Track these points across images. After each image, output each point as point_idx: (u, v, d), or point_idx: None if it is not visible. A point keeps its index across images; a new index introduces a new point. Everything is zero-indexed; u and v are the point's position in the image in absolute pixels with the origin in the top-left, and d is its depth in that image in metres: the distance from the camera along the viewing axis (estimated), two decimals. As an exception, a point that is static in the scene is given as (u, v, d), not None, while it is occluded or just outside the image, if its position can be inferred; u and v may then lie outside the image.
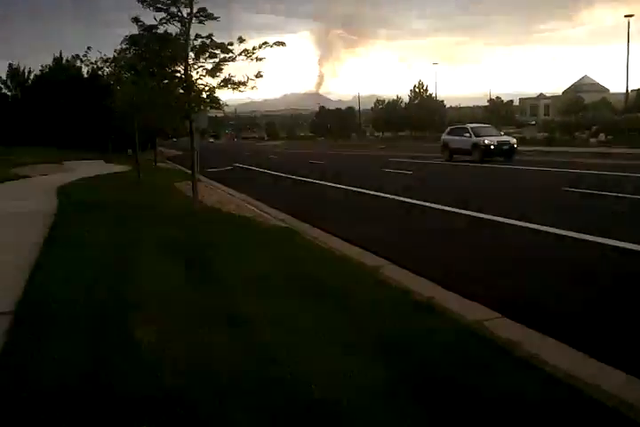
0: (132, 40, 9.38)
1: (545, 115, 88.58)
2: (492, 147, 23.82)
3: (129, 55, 12.37)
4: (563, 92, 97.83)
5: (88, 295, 4.46)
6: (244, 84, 8.68)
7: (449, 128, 28.55)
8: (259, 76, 8.65)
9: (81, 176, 18.40)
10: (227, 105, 10.52)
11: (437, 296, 4.73)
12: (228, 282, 5.00)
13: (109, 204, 10.72)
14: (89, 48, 14.75)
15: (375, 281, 5.18)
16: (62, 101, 38.89)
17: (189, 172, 11.67)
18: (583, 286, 5.29)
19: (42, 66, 45.28)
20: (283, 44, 8.61)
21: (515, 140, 25.27)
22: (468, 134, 25.15)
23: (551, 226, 7.91)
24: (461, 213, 9.69)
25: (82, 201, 11.12)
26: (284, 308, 4.19)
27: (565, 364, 3.31)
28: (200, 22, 8.47)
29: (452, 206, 10.36)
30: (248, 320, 3.92)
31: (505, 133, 27.49)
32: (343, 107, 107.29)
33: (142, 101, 10.82)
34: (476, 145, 24.29)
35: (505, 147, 24.01)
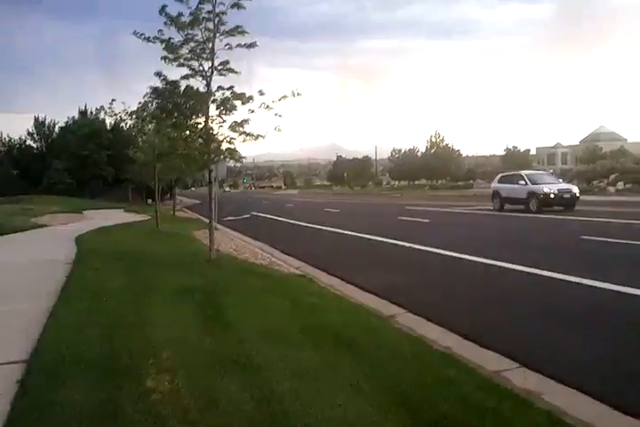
0: (155, 92, 9.73)
1: (563, 164, 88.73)
2: (553, 196, 21.55)
3: (151, 107, 12.80)
4: (580, 142, 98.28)
5: (102, 344, 4.44)
6: (262, 136, 8.89)
7: (499, 175, 26.47)
8: (277, 130, 8.85)
9: (100, 225, 18.64)
10: (244, 158, 10.76)
11: (454, 346, 4.64)
12: (243, 331, 4.95)
13: (127, 252, 10.81)
14: (113, 100, 15.29)
15: (391, 330, 5.11)
16: (85, 152, 40.05)
17: (207, 220, 11.79)
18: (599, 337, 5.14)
19: (67, 117, 46.93)
20: (299, 94, 8.83)
21: (577, 189, 22.74)
22: (522, 182, 22.83)
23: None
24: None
25: (100, 250, 11.22)
26: (301, 357, 4.13)
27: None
28: (221, 75, 8.76)
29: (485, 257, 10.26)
30: (261, 370, 3.86)
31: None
32: (359, 156, 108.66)
33: (163, 151, 11.11)
34: (533, 193, 22.03)
35: (566, 195, 21.77)
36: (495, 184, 25.59)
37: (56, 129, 47.28)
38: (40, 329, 4.90)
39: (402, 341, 4.72)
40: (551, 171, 79.60)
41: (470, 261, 9.81)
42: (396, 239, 13.28)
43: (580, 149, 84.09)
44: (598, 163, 42.54)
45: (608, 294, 6.66)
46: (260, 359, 4.06)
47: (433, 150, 76.80)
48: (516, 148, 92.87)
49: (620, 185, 33.31)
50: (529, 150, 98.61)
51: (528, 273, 8.25)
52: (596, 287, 6.99)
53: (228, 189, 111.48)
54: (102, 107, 16.02)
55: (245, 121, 8.72)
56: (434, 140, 77.81)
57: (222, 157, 9.52)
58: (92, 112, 45.25)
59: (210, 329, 4.95)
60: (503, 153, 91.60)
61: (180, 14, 8.28)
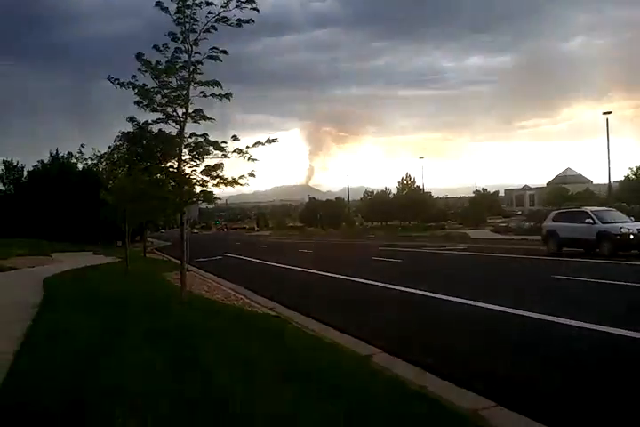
0: (126, 137, 9.77)
1: (531, 205, 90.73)
2: (632, 236, 18.11)
3: (122, 151, 12.86)
4: (547, 184, 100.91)
5: (69, 387, 4.30)
6: (236, 181, 8.88)
7: (554, 213, 22.84)
8: (251, 174, 8.85)
9: (69, 268, 18.26)
10: (219, 199, 10.75)
11: (430, 385, 4.62)
12: (213, 371, 4.85)
13: (95, 295, 10.57)
14: (82, 145, 15.31)
15: (367, 370, 5.06)
16: (54, 196, 39.64)
17: (178, 262, 11.67)
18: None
19: (37, 161, 46.70)
20: (275, 140, 8.89)
21: None
22: (589, 220, 19.38)
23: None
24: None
25: (68, 292, 10.97)
26: (273, 400, 4.05)
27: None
28: (195, 122, 8.80)
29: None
30: (235, 413, 3.78)
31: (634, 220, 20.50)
32: (332, 198, 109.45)
33: (134, 195, 11.05)
34: (604, 234, 18.58)
35: None
36: (550, 223, 21.78)
37: (25, 173, 47.00)
38: (5, 373, 4.74)
39: (377, 381, 4.69)
40: (519, 212, 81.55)
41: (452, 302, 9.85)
42: (369, 280, 13.29)
43: (547, 190, 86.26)
44: (565, 204, 43.57)
45: None
46: (234, 403, 3.98)
47: (405, 192, 77.91)
48: (486, 190, 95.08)
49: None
50: (497, 192, 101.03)
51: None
52: None
53: (195, 230, 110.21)
54: (71, 153, 16.01)
55: (219, 165, 8.74)
56: (405, 182, 79.04)
57: (194, 199, 9.52)
58: (62, 156, 45.20)
59: (180, 370, 4.84)
60: (472, 195, 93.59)
61: (158, 62, 8.41)
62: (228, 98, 8.64)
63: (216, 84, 8.50)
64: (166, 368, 4.98)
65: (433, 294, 10.45)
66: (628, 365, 5.47)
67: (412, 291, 11.09)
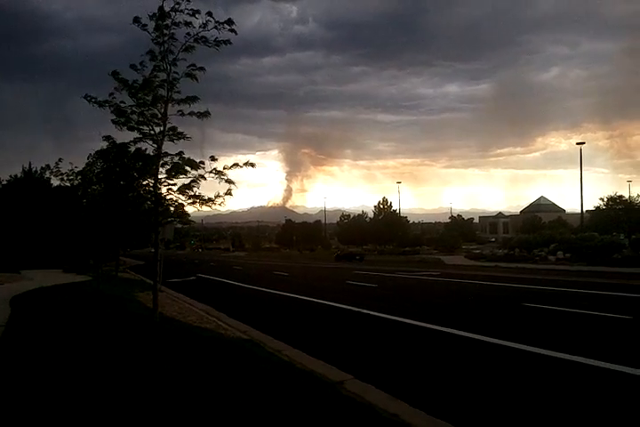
0: (101, 154, 9.65)
1: (504, 232, 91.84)
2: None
3: (97, 169, 12.71)
4: (521, 212, 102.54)
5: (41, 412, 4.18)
6: (212, 201, 8.83)
7: None
8: (228, 193, 8.82)
9: (38, 286, 17.84)
10: (193, 222, 10.65)
11: (402, 413, 4.58)
12: (178, 399, 4.75)
13: (64, 315, 10.34)
14: (60, 160, 15.05)
15: (338, 396, 5.01)
16: (26, 211, 38.86)
17: (151, 282, 11.50)
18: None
19: (10, 176, 45.69)
20: (252, 164, 8.87)
21: None
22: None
23: None
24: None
25: (35, 312, 10.72)
26: None
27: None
28: (171, 140, 8.74)
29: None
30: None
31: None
32: (309, 220, 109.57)
33: (109, 212, 10.93)
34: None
35: None
36: None
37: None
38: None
39: (345, 405, 4.64)
40: (493, 239, 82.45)
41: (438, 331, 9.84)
42: (345, 304, 13.26)
43: (520, 218, 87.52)
44: (538, 232, 44.19)
45: None
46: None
47: (381, 216, 78.30)
48: (460, 216, 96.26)
49: (560, 254, 34.56)
50: (472, 219, 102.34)
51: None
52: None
53: (152, 250, 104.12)
54: (48, 166, 15.74)
55: (195, 182, 8.66)
56: (382, 206, 79.51)
57: (170, 219, 9.43)
58: (36, 171, 44.32)
59: (146, 398, 4.73)
60: (448, 220, 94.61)
61: (135, 81, 8.38)
62: (206, 116, 8.63)
63: (194, 99, 8.50)
64: (129, 391, 4.87)
65: (412, 322, 10.46)
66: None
67: (383, 316, 11.08)
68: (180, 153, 8.66)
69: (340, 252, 59.12)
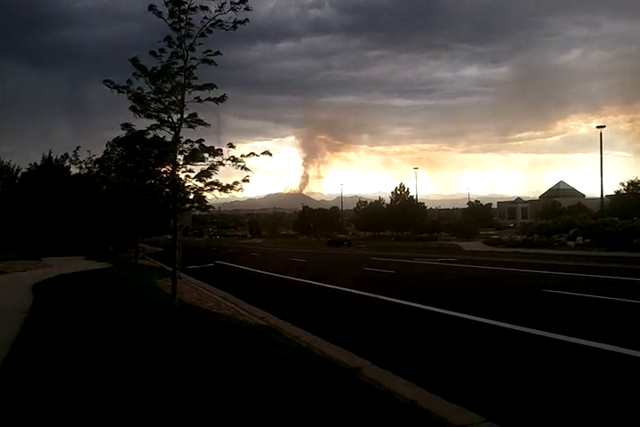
0: (120, 142, 9.67)
1: (523, 218, 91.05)
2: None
3: (115, 156, 12.75)
4: (540, 197, 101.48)
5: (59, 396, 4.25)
6: (230, 187, 8.83)
7: None
8: (245, 180, 8.81)
9: (59, 273, 18.11)
10: (212, 207, 10.68)
11: (420, 399, 4.59)
12: (196, 385, 4.80)
13: (85, 302, 10.49)
14: (78, 148, 15.13)
15: (356, 382, 5.03)
16: (46, 199, 39.31)
17: (170, 268, 11.61)
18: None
19: (30, 164, 46.14)
20: (269, 153, 8.87)
21: None
22: None
23: None
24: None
25: (57, 298, 10.88)
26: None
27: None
28: (190, 127, 8.75)
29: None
30: None
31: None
32: (326, 206, 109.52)
33: (128, 200, 10.98)
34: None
35: None
36: None
37: (19, 175, 46.39)
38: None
39: (363, 391, 4.65)
40: (512, 224, 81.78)
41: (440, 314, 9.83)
42: (362, 290, 13.27)
43: (539, 204, 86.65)
44: (558, 218, 43.70)
45: None
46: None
47: (398, 202, 78.01)
48: (479, 201, 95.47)
49: (580, 240, 34.17)
50: (490, 204, 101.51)
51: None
52: None
53: (169, 237, 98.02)
54: (67, 154, 15.85)
55: (213, 168, 8.66)
56: (399, 192, 79.16)
57: (189, 205, 9.45)
58: (56, 159, 44.67)
59: (166, 385, 4.79)
60: (466, 206, 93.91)
61: (154, 68, 8.37)
62: (223, 100, 8.60)
63: (211, 86, 8.48)
64: (150, 379, 4.93)
65: (423, 306, 10.45)
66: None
67: (401, 302, 11.08)
68: (201, 140, 8.66)
69: (331, 238, 67.27)
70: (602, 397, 4.93)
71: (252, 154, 8.70)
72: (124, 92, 8.55)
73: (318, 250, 46.17)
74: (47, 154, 46.50)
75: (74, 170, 41.48)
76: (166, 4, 8.19)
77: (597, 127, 46.05)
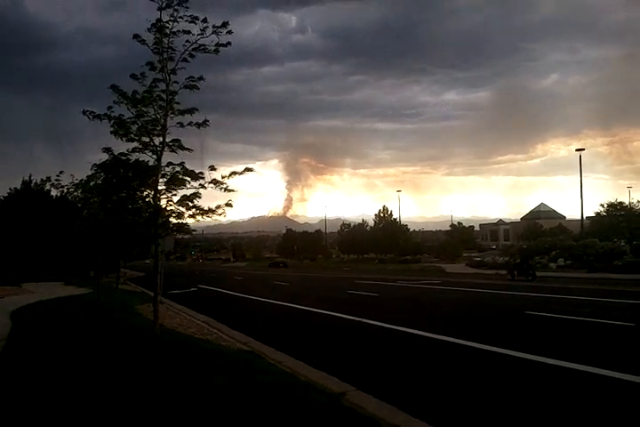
0: (101, 166, 9.58)
1: (505, 240, 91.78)
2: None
3: (98, 180, 12.68)
4: (521, 219, 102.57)
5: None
6: (213, 211, 8.79)
7: None
8: (228, 204, 8.77)
9: (39, 299, 17.79)
10: (194, 231, 10.61)
11: (403, 424, 4.55)
12: (177, 412, 4.71)
13: (65, 328, 10.30)
14: (61, 172, 15.03)
15: (340, 407, 4.97)
16: (26, 224, 38.81)
17: (151, 293, 11.47)
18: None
19: (10, 189, 45.63)
20: (251, 169, 8.86)
21: None
22: None
23: None
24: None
25: (36, 325, 10.67)
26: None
27: None
28: (172, 151, 8.71)
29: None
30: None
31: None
32: (309, 229, 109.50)
33: (109, 224, 10.89)
34: None
35: None
36: None
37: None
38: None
39: (348, 417, 4.60)
40: (494, 246, 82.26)
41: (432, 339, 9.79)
42: (346, 314, 13.21)
43: (521, 225, 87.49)
44: (539, 239, 44.14)
45: None
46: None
47: (381, 225, 78.32)
48: (461, 224, 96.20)
49: (561, 261, 34.49)
50: (473, 227, 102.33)
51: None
52: None
53: (147, 261, 74.52)
54: (49, 178, 15.70)
55: (195, 195, 8.64)
56: (382, 214, 79.54)
57: (170, 231, 9.37)
58: (36, 183, 44.23)
59: (147, 413, 4.69)
60: (449, 228, 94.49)
61: (135, 92, 8.38)
62: (205, 125, 8.61)
63: (193, 111, 8.50)
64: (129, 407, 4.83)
65: (410, 330, 10.41)
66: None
67: (385, 326, 11.04)
68: (182, 163, 8.62)
69: (272, 261, 79.01)
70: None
71: (234, 173, 8.70)
72: (104, 119, 8.51)
73: (302, 273, 45.97)
74: (27, 178, 46.01)
75: (54, 193, 41.15)
76: (149, 30, 8.25)
77: (577, 150, 46.98)
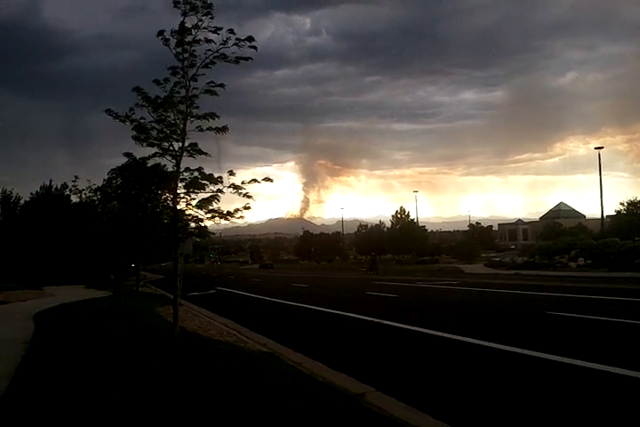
0: (121, 170, 9.71)
1: (524, 240, 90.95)
2: None
3: (116, 184, 12.82)
4: (540, 218, 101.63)
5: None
6: (231, 214, 8.84)
7: None
8: (247, 208, 8.81)
9: (60, 302, 18.05)
10: (212, 233, 10.69)
11: (424, 426, 4.55)
12: (197, 414, 4.77)
13: (86, 331, 10.45)
14: (76, 177, 15.22)
15: (359, 409, 4.98)
16: (47, 228, 39.39)
17: (171, 296, 11.58)
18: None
19: (31, 193, 46.33)
20: (270, 180, 8.92)
21: None
22: None
23: None
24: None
25: (58, 328, 10.83)
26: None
27: None
28: (190, 156, 8.79)
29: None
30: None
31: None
32: (326, 231, 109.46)
33: (129, 228, 11.02)
34: None
35: None
36: None
37: (19, 204, 46.54)
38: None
39: (368, 419, 4.61)
40: (513, 246, 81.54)
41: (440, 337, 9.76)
42: (365, 315, 13.20)
43: (540, 225, 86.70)
44: (559, 239, 43.67)
45: None
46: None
47: (398, 226, 78.07)
48: (479, 224, 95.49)
49: (581, 261, 34.11)
50: (491, 226, 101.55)
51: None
52: None
53: (163, 264, 77.63)
54: (66, 184, 15.97)
55: (214, 197, 8.69)
56: (399, 215, 79.30)
57: (189, 235, 9.44)
58: (56, 188, 44.86)
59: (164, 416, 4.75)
60: (466, 228, 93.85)
61: (158, 97, 8.48)
62: (225, 130, 8.67)
63: (213, 116, 8.57)
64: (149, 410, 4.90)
65: (437, 333, 10.39)
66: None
67: (404, 327, 11.02)
68: (200, 168, 8.69)
69: (262, 262, 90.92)
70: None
71: (254, 181, 8.74)
72: (126, 122, 8.64)
73: (319, 275, 46.01)
74: (47, 183, 46.69)
75: (74, 199, 41.71)
76: (172, 33, 8.32)
77: (596, 148, 46.44)
